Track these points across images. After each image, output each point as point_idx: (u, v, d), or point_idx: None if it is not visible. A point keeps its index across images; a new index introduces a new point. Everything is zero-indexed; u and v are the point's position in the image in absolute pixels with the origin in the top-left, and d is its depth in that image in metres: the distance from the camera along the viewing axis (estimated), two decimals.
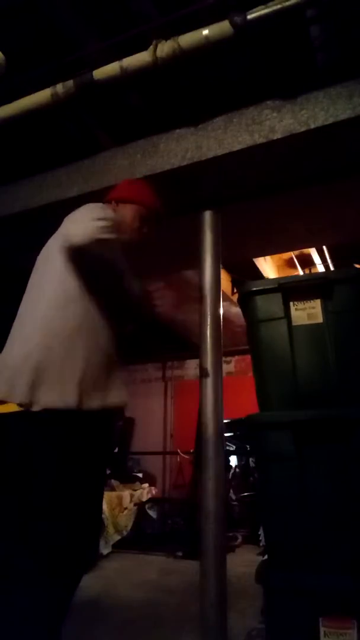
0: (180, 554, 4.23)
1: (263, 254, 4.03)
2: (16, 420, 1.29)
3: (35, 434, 1.30)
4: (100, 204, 1.57)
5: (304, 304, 2.01)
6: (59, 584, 1.28)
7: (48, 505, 1.27)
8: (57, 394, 1.30)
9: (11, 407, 1.30)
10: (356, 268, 3.20)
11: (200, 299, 2.36)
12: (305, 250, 4.40)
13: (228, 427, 4.31)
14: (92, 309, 1.43)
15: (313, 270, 4.67)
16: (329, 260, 4.50)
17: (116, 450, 5.99)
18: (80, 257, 1.42)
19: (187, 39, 1.86)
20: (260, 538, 3.96)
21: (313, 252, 4.36)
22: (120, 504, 4.66)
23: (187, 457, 6.05)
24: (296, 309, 2.01)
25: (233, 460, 5.53)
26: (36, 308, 1.44)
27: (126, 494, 4.90)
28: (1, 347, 1.44)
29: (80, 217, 1.43)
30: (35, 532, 1.26)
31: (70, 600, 1.33)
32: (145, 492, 5.37)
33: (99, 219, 1.38)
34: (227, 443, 5.32)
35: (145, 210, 1.68)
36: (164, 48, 1.88)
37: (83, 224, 1.39)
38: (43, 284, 1.47)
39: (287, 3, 1.72)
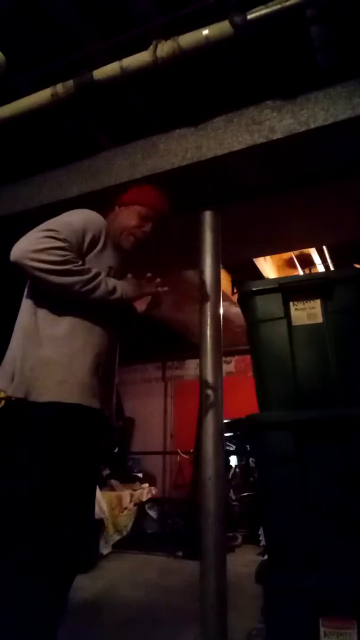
0: (180, 554, 4.23)
1: (263, 254, 4.03)
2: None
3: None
4: (71, 211, 1.59)
5: (303, 304, 2.01)
6: (52, 582, 1.28)
7: (36, 500, 1.28)
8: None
9: None
10: (356, 268, 3.21)
11: (200, 298, 2.36)
12: (305, 250, 4.39)
13: (228, 427, 4.31)
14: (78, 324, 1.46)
15: (313, 270, 4.67)
16: (329, 260, 4.50)
17: (116, 450, 5.99)
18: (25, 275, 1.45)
19: (187, 39, 1.86)
20: (260, 538, 3.96)
21: (313, 252, 4.35)
22: (120, 504, 4.66)
23: (187, 457, 6.04)
24: (296, 309, 2.02)
25: (233, 460, 5.53)
26: (19, 321, 1.51)
27: (126, 494, 4.90)
28: (1, 345, 1.46)
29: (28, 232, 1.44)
30: (26, 531, 1.27)
31: (65, 599, 1.32)
32: (145, 492, 5.37)
33: (40, 230, 1.41)
34: (227, 443, 5.32)
35: (145, 209, 1.68)
36: (164, 48, 1.88)
37: (24, 238, 1.41)
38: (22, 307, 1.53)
39: (287, 3, 1.71)
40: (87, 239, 1.51)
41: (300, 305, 2.01)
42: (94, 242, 1.53)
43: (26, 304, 1.49)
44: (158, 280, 1.60)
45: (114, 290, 1.49)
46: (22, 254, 1.37)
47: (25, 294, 1.51)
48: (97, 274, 1.46)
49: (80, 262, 1.44)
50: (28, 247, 1.37)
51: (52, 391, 1.35)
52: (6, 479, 1.31)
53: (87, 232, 1.51)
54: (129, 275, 1.58)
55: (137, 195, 1.74)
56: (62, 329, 1.42)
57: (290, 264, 4.78)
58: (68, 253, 1.40)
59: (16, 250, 1.38)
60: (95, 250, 1.53)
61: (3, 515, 1.29)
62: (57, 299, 1.45)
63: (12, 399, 1.33)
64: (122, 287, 1.52)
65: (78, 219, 1.53)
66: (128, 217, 1.67)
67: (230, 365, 6.62)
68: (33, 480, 1.29)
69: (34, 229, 1.43)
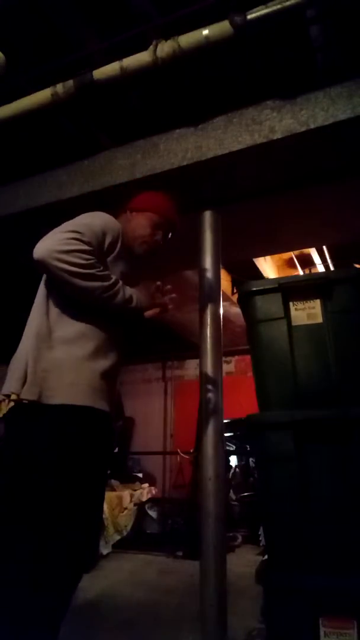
0: (180, 554, 4.23)
1: (263, 254, 4.03)
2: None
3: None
4: (89, 213, 1.57)
5: (303, 304, 2.01)
6: (58, 582, 1.29)
7: (46, 502, 1.28)
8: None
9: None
10: (356, 268, 3.21)
11: (200, 298, 2.36)
12: (305, 250, 4.39)
13: (228, 427, 4.31)
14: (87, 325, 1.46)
15: (313, 270, 4.67)
16: (329, 260, 4.50)
17: (116, 450, 5.99)
18: (46, 274, 1.44)
19: (187, 39, 1.86)
20: (260, 538, 3.97)
21: (313, 252, 4.35)
22: (120, 504, 4.66)
23: (187, 457, 6.04)
24: (296, 309, 2.02)
25: (233, 460, 5.53)
26: (31, 321, 1.49)
27: (126, 494, 4.89)
28: (2, 342, 1.46)
29: (52, 231, 1.41)
30: (35, 532, 1.27)
31: (70, 599, 1.33)
32: (145, 492, 5.37)
33: (66, 231, 1.38)
34: (227, 443, 5.31)
35: (158, 218, 1.68)
36: (164, 48, 1.88)
37: (48, 237, 1.38)
38: (35, 306, 1.52)
39: (287, 3, 1.72)
40: (106, 243, 1.50)
41: (300, 305, 2.01)
42: (111, 247, 1.52)
43: (39, 305, 1.48)
44: (168, 287, 1.60)
45: (130, 299, 1.49)
46: (48, 253, 1.34)
47: (39, 294, 1.51)
48: (117, 281, 1.46)
49: (102, 267, 1.42)
50: (55, 247, 1.34)
51: (64, 393, 1.35)
52: (17, 480, 1.31)
53: (106, 236, 1.50)
54: (141, 284, 1.58)
55: (151, 202, 1.73)
56: (74, 331, 1.42)
57: (290, 264, 4.78)
58: (92, 257, 1.39)
59: (42, 249, 1.34)
60: (112, 255, 1.52)
61: (13, 516, 1.29)
62: (71, 302, 1.44)
63: (25, 401, 1.32)
64: (137, 296, 1.52)
65: (99, 223, 1.51)
66: (141, 224, 1.66)
67: (230, 365, 6.62)
68: (43, 481, 1.28)
69: (58, 229, 1.41)
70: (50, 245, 1.35)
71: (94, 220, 1.51)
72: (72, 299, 1.44)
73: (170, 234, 1.73)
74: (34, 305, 1.51)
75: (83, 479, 1.34)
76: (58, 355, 1.39)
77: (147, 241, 1.65)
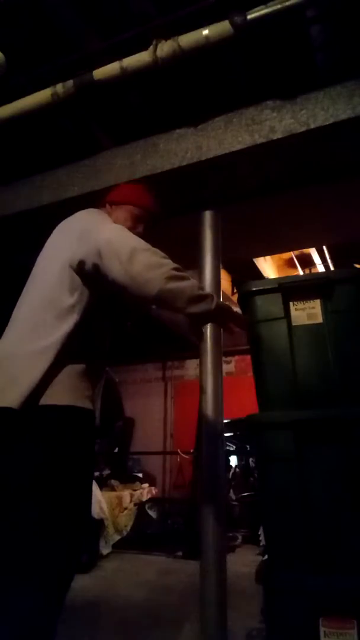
0: (180, 554, 4.23)
1: (263, 254, 4.03)
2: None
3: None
4: (119, 226, 1.50)
5: (303, 304, 2.01)
6: (53, 581, 1.28)
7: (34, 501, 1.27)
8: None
9: None
10: (356, 268, 3.21)
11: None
12: (305, 250, 4.40)
13: (228, 427, 4.31)
14: (88, 320, 1.42)
15: (313, 270, 4.68)
16: (329, 260, 4.51)
17: (116, 450, 5.99)
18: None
19: (187, 39, 1.86)
20: (260, 538, 3.96)
21: (313, 252, 4.36)
22: (120, 504, 4.66)
23: (187, 457, 6.05)
24: (296, 309, 2.01)
25: (233, 460, 5.54)
26: (31, 311, 1.43)
27: (126, 494, 4.90)
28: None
29: (142, 263, 1.30)
30: (27, 532, 1.26)
31: (62, 600, 1.32)
32: (145, 492, 5.37)
33: (162, 263, 1.32)
34: (227, 443, 5.32)
35: (139, 210, 1.66)
36: (164, 48, 1.88)
37: (151, 271, 1.29)
38: (43, 288, 1.44)
39: (287, 3, 1.71)
40: None
41: (300, 305, 2.01)
42: None
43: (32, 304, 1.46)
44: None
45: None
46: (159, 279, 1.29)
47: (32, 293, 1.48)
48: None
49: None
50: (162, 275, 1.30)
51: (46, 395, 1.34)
52: (6, 482, 1.30)
53: None
54: None
55: (130, 195, 1.71)
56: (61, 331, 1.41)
57: (290, 264, 4.78)
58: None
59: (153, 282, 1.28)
60: None
61: (3, 514, 1.28)
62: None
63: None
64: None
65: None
66: (122, 218, 1.63)
67: (230, 365, 6.63)
68: (33, 484, 1.28)
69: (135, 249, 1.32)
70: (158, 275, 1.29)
71: (116, 224, 1.49)
72: (56, 307, 1.39)
73: (152, 226, 1.70)
74: (17, 306, 1.48)
75: (72, 478, 1.34)
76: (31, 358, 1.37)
77: None
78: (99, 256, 1.32)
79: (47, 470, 1.28)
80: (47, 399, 1.31)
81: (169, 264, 1.33)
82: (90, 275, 1.37)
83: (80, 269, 1.38)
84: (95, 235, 1.37)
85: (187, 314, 1.34)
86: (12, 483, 1.27)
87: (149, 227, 1.69)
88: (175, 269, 1.33)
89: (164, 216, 1.76)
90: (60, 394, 1.33)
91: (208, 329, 2.30)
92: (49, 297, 1.41)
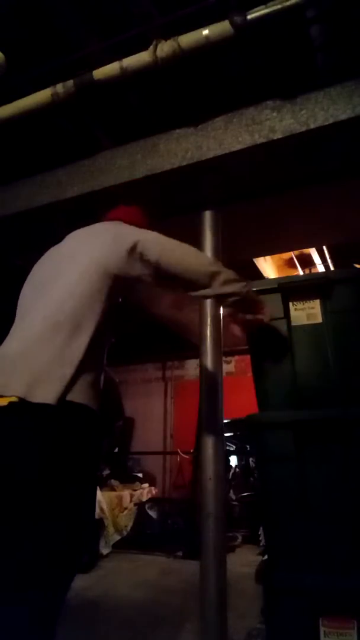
0: (180, 554, 4.23)
1: (263, 254, 4.03)
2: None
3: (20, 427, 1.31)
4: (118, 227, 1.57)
5: (303, 304, 2.01)
6: (52, 581, 1.28)
7: (34, 500, 1.27)
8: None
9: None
10: (356, 268, 3.21)
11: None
12: (305, 250, 4.40)
13: (228, 427, 4.31)
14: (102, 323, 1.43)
15: (313, 270, 4.67)
16: (329, 260, 4.50)
17: (116, 450, 5.99)
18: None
19: (187, 39, 1.86)
20: (260, 538, 3.97)
21: (313, 252, 4.36)
22: (120, 504, 4.66)
23: (187, 457, 6.05)
24: (295, 309, 2.01)
25: (233, 460, 5.54)
26: (46, 307, 1.42)
27: (126, 494, 4.90)
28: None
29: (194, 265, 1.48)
30: (29, 529, 1.26)
31: (62, 600, 1.32)
32: (145, 492, 5.37)
33: (217, 268, 1.49)
34: (227, 443, 5.32)
35: None
36: (164, 48, 1.88)
37: (197, 258, 1.49)
38: (59, 286, 1.45)
39: (287, 3, 1.72)
40: None
41: (299, 305, 2.01)
42: None
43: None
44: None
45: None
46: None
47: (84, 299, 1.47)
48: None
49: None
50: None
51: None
52: (7, 479, 1.31)
53: None
54: None
55: (124, 216, 1.71)
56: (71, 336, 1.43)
57: (290, 264, 4.78)
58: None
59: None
60: None
61: (4, 513, 1.28)
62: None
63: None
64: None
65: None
66: None
67: (230, 365, 6.62)
68: (34, 479, 1.28)
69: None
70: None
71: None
72: (76, 306, 1.40)
73: None
74: (23, 301, 1.50)
75: (74, 475, 1.34)
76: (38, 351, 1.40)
77: None
78: (142, 247, 1.42)
79: (58, 461, 1.28)
80: (69, 396, 1.32)
81: (206, 256, 1.44)
82: (124, 271, 1.43)
83: (118, 264, 1.42)
84: (133, 234, 1.46)
85: (220, 294, 1.51)
86: (23, 475, 1.28)
87: None
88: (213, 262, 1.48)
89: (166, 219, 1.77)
90: (78, 392, 1.34)
91: (208, 329, 2.30)
92: (72, 300, 1.41)
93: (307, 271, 4.77)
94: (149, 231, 1.49)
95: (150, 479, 6.14)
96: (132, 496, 4.98)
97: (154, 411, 7.03)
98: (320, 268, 4.56)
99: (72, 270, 1.45)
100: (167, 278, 1.46)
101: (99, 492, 4.25)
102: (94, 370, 1.40)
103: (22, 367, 1.35)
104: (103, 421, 1.47)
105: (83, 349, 1.36)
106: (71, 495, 1.29)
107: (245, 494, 5.16)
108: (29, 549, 1.25)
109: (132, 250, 1.41)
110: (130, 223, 1.64)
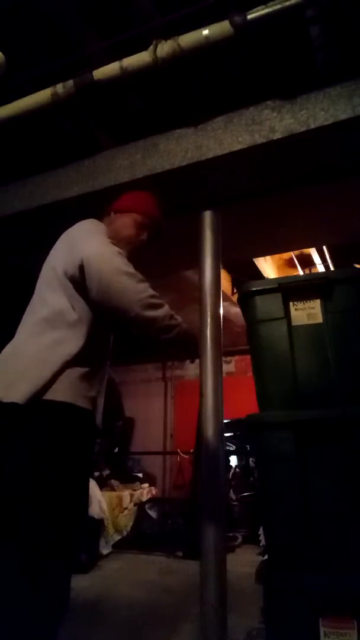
0: (180, 554, 4.23)
1: (263, 254, 4.03)
2: None
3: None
4: (90, 227, 1.55)
5: (303, 304, 2.01)
6: (52, 581, 1.28)
7: (28, 498, 1.28)
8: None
9: None
10: (356, 268, 3.21)
11: (200, 298, 2.36)
12: (305, 250, 4.40)
13: (228, 427, 4.31)
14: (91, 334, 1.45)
15: (313, 270, 4.67)
16: (329, 260, 4.50)
17: (116, 450, 5.99)
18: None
19: (187, 39, 1.86)
20: (260, 538, 3.96)
21: (313, 252, 4.35)
22: (120, 504, 4.66)
23: (187, 457, 6.05)
24: (296, 309, 2.02)
25: (233, 460, 5.53)
26: (42, 308, 1.46)
27: (126, 494, 4.90)
28: (1, 345, 1.46)
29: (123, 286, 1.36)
30: (27, 530, 1.27)
31: (66, 599, 1.32)
32: (145, 492, 5.37)
33: (140, 287, 1.37)
34: (227, 443, 5.31)
35: (142, 218, 1.69)
36: (164, 48, 1.88)
37: (130, 295, 1.35)
38: (43, 306, 1.47)
39: (287, 3, 1.72)
40: None
41: (300, 305, 2.01)
42: None
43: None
44: None
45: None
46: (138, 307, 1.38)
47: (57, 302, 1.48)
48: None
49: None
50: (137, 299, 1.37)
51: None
52: (6, 480, 1.31)
53: None
54: None
55: (134, 203, 1.73)
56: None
57: (290, 264, 4.78)
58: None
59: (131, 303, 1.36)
60: None
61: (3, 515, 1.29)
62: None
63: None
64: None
65: (105, 237, 1.51)
66: (126, 225, 1.66)
67: (230, 365, 6.62)
68: (33, 480, 1.29)
69: (125, 274, 1.37)
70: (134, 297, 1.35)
71: (103, 237, 1.50)
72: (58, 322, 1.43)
73: (156, 234, 1.73)
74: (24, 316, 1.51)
75: (70, 476, 1.36)
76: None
77: (133, 242, 1.65)
78: (82, 271, 1.37)
79: (42, 461, 1.30)
80: (48, 395, 1.33)
81: (145, 291, 1.38)
82: (79, 285, 1.42)
83: (71, 279, 1.43)
84: (81, 247, 1.41)
85: (158, 340, 1.45)
86: (9, 474, 1.29)
87: (152, 235, 1.71)
88: (152, 296, 1.38)
89: (170, 219, 1.77)
90: (59, 391, 1.35)
91: (208, 329, 2.30)
92: (53, 304, 1.45)
93: (307, 271, 4.77)
94: (97, 253, 1.39)
95: (150, 479, 6.13)
96: (132, 496, 4.98)
97: (154, 411, 7.02)
98: (320, 268, 4.56)
99: (50, 280, 1.49)
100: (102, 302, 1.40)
101: (99, 492, 4.25)
102: (87, 368, 1.40)
103: (7, 368, 1.39)
104: (96, 418, 1.47)
105: (71, 348, 1.38)
106: (47, 490, 1.29)
107: (245, 494, 5.15)
108: (24, 543, 1.26)
109: (76, 267, 1.40)
110: (126, 211, 1.68)
